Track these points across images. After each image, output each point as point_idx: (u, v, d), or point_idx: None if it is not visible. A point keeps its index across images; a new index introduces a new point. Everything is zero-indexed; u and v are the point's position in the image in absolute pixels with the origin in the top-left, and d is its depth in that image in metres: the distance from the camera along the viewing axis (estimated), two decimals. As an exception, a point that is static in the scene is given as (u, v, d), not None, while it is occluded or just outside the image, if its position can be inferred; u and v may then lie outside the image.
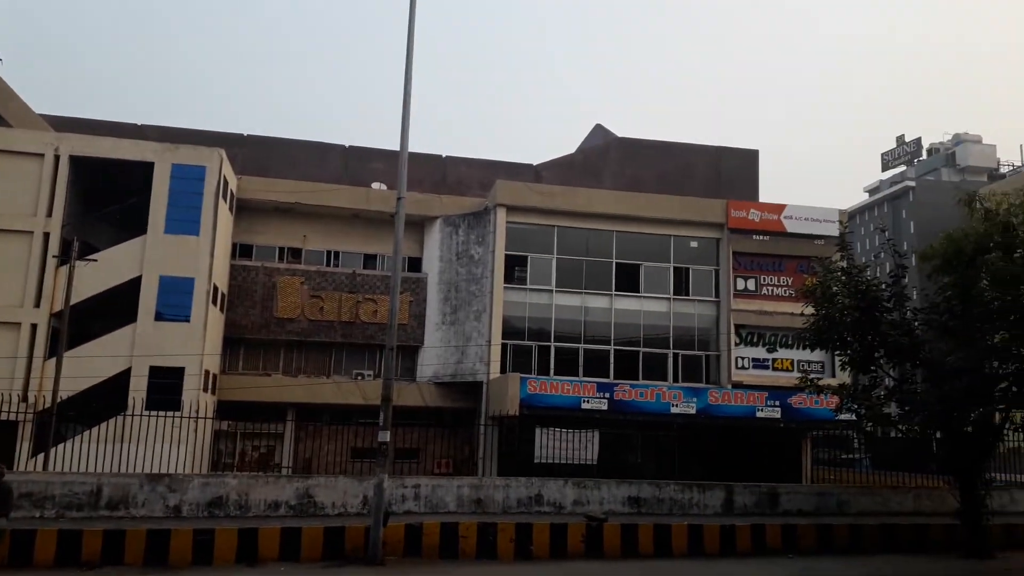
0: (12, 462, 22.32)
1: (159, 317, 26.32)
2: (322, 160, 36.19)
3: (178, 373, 25.49)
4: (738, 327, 29.68)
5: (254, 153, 34.44)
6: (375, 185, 33.24)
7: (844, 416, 19.62)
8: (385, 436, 15.39)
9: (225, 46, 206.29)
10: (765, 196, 41.11)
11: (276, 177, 31.77)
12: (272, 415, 27.82)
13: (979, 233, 17.27)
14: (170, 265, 26.58)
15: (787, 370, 28.82)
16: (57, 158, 26.63)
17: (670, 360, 29.65)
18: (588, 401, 25.14)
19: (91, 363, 24.89)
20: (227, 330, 29.52)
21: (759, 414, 25.98)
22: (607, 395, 25.34)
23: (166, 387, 24.95)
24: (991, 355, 17.14)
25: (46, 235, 26.21)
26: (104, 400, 24.39)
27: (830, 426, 25.70)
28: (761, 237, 30.43)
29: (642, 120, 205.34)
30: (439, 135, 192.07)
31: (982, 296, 16.96)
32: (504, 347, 28.49)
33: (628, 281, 30.05)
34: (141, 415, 19.58)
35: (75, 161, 26.95)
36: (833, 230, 29.09)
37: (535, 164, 38.20)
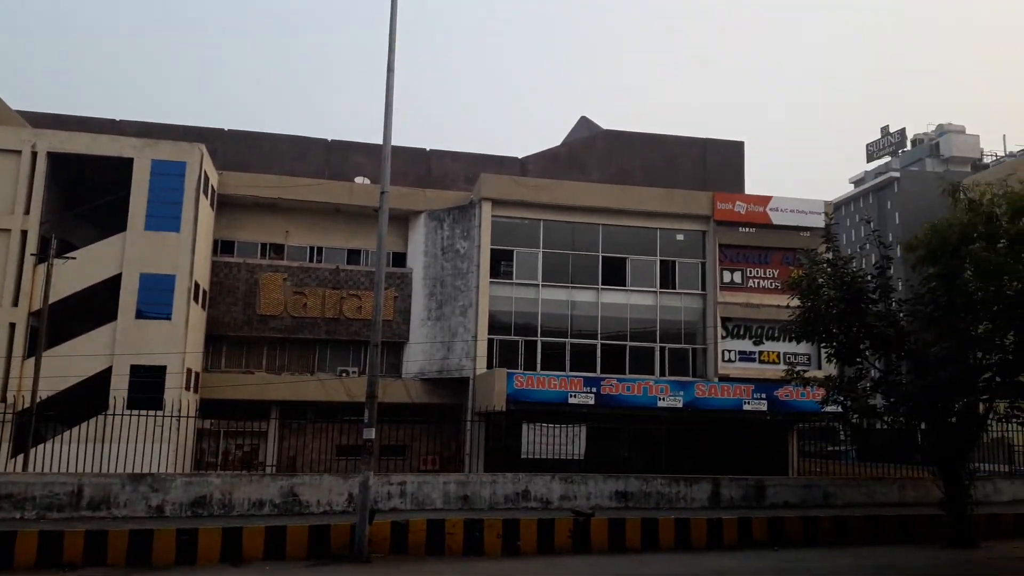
0: (-9, 463, 22.02)
1: (140, 315, 26.05)
2: (304, 154, 35.90)
3: (160, 372, 25.26)
4: (724, 320, 29.70)
5: (235, 148, 34.12)
6: (358, 179, 33.00)
7: (830, 408, 19.61)
8: (370, 433, 15.25)
9: (204, 38, 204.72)
10: (751, 188, 41.12)
11: (257, 172, 31.48)
12: (256, 413, 27.57)
13: (963, 223, 17.27)
14: (151, 262, 26.29)
15: (773, 363, 28.88)
16: (35, 155, 26.27)
17: (657, 354, 29.63)
18: (575, 396, 25.08)
19: (71, 362, 24.59)
20: (209, 328, 29.25)
21: (746, 407, 26.01)
22: (594, 389, 25.29)
23: (148, 386, 24.69)
24: (975, 345, 17.16)
25: (24, 233, 25.86)
26: (85, 400, 24.11)
27: (816, 418, 25.74)
28: (747, 229, 30.44)
29: (627, 112, 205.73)
30: (423, 129, 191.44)
31: (966, 286, 16.97)
32: (490, 342, 28.37)
33: (614, 275, 29.99)
34: (122, 414, 19.33)
35: (53, 158, 26.58)
36: (819, 222, 29.10)
37: (520, 157, 38.06)
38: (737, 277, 30.33)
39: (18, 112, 31.69)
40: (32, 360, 23.44)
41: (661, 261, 30.42)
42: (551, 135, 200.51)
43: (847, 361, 19.01)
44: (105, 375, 25.12)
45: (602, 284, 29.76)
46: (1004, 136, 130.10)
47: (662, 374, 29.02)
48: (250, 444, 29.02)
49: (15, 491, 16.47)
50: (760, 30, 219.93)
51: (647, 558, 15.73)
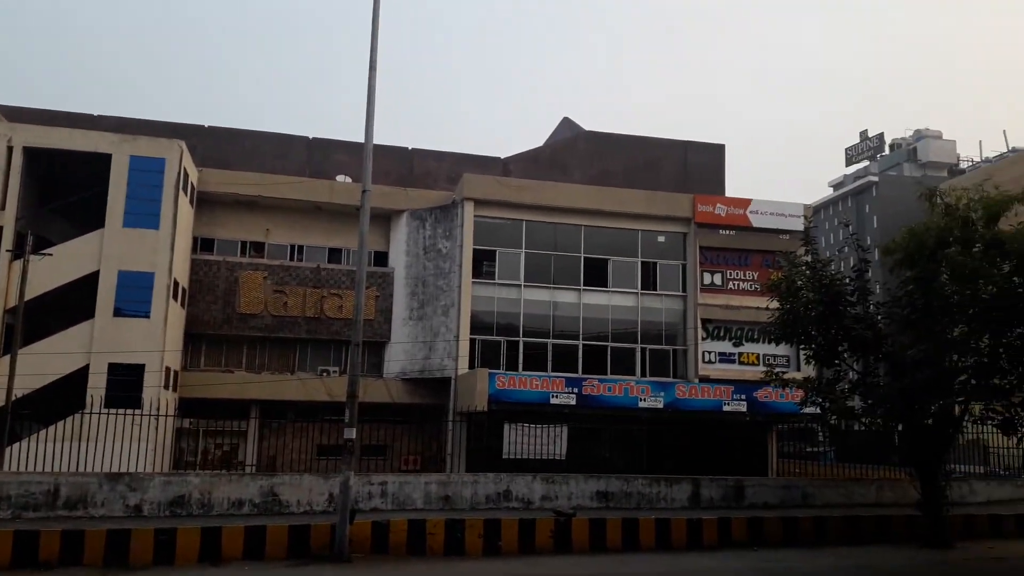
0: (-35, 462, 21.65)
1: (118, 313, 25.76)
2: (285, 152, 35.66)
3: (138, 370, 24.99)
4: (705, 321, 29.88)
5: (215, 145, 33.81)
6: (339, 178, 32.84)
7: (809, 409, 19.84)
8: (351, 433, 15.21)
9: (183, 34, 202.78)
10: (731, 191, 41.39)
11: (238, 169, 31.23)
12: (235, 412, 27.35)
13: (940, 228, 17.51)
14: (129, 259, 26.02)
15: (753, 364, 29.11)
16: (10, 149, 25.89)
17: (638, 355, 29.75)
18: (557, 396, 25.12)
19: (47, 360, 24.27)
20: (188, 326, 28.98)
21: (726, 408, 26.18)
22: (576, 390, 25.35)
23: (126, 384, 24.43)
24: (951, 348, 17.39)
25: (-1, 228, 25.46)
26: (61, 398, 23.80)
27: (795, 419, 26.01)
28: (727, 232, 30.65)
29: (607, 113, 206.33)
30: (405, 127, 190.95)
31: (942, 290, 17.20)
32: (472, 342, 28.35)
33: (596, 276, 30.08)
34: (100, 413, 19.13)
35: (29, 152, 26.22)
36: (798, 225, 29.41)
37: (503, 157, 38.07)
38: (717, 279, 30.53)
39: (-6, 106, 31.26)
40: (7, 358, 23.07)
41: (642, 262, 30.56)
42: (533, 136, 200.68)
43: (825, 363, 19.21)
44: (82, 373, 24.82)
45: (584, 285, 29.83)
46: (980, 142, 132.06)
47: (643, 375, 29.15)
48: (230, 443, 28.79)
49: (-10, 490, 16.25)
50: (744, 34, 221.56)
51: (628, 558, 15.80)
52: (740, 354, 29.59)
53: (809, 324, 18.33)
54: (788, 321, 18.56)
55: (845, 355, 18.82)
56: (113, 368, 24.93)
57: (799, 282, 18.62)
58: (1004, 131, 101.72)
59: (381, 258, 31.57)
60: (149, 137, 27.73)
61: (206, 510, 17.33)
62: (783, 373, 20.00)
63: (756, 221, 30.65)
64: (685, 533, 17.06)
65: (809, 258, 19.15)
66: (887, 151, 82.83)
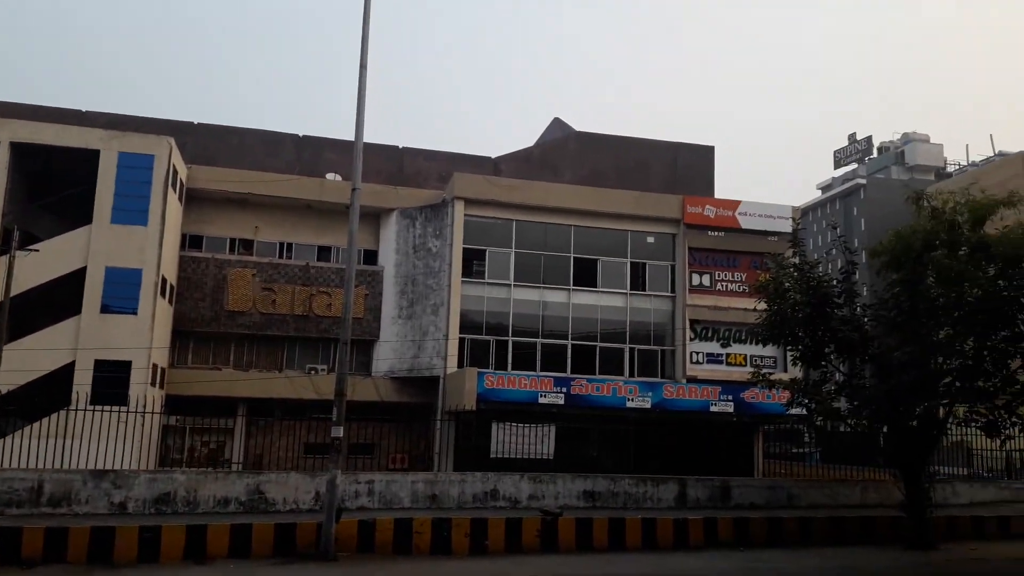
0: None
1: (105, 309, 25.63)
2: (274, 150, 35.55)
3: (125, 367, 24.86)
4: (693, 322, 29.98)
5: (204, 142, 33.68)
6: (330, 176, 32.77)
7: (795, 410, 19.94)
8: (338, 431, 15.18)
9: (175, 31, 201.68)
10: (720, 192, 41.59)
11: (227, 167, 31.09)
12: (222, 410, 27.27)
13: (926, 231, 17.64)
14: (117, 256, 25.88)
15: (740, 365, 29.22)
16: (-2, 144, 25.66)
17: (626, 355, 29.83)
18: (545, 395, 25.16)
19: (33, 356, 24.14)
20: (176, 323, 28.86)
21: (713, 408, 26.28)
22: (564, 389, 25.39)
23: (112, 381, 24.30)
24: (936, 351, 17.53)
25: (-14, 223, 25.27)
26: (47, 394, 23.64)
27: (781, 420, 26.12)
28: (716, 233, 30.76)
29: (599, 114, 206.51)
30: (396, 126, 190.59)
31: (928, 293, 17.33)
32: (461, 341, 28.34)
33: (586, 276, 30.14)
34: (85, 410, 19.02)
35: (16, 148, 26.04)
36: (786, 226, 29.51)
37: (494, 157, 38.08)
38: (706, 280, 30.64)
39: (-19, 101, 31.03)
40: (-8, 354, 22.93)
41: (631, 263, 30.63)
42: (524, 136, 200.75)
43: (812, 364, 19.30)
44: (68, 370, 24.68)
45: (573, 285, 29.88)
46: (967, 146, 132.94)
47: (631, 375, 29.22)
48: (216, 441, 28.69)
49: (-27, 487, 16.14)
50: (737, 35, 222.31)
51: (614, 558, 15.83)
52: (727, 355, 29.70)
53: (796, 325, 18.42)
54: (775, 322, 18.64)
55: (831, 357, 18.92)
56: (99, 365, 24.80)
57: (787, 284, 18.70)
58: (991, 135, 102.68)
59: (371, 256, 31.53)
60: (138, 133, 27.60)
61: (192, 508, 17.26)
62: (770, 374, 20.10)
63: (745, 223, 30.78)
64: (671, 533, 17.11)
65: (797, 260, 19.25)
66: (875, 154, 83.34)
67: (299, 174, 32.58)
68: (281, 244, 31.37)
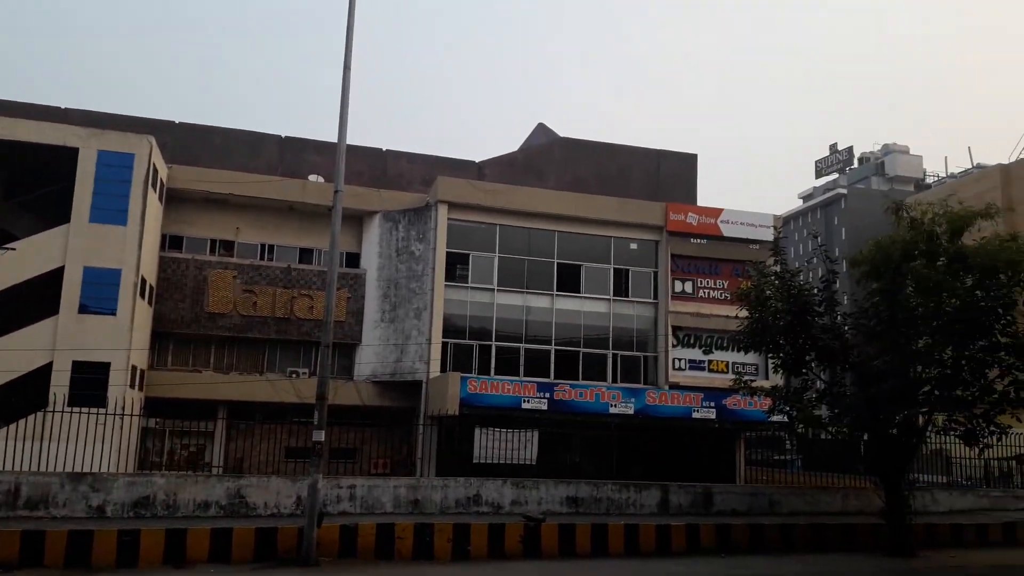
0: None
1: (83, 310, 25.28)
2: (256, 150, 35.29)
3: (103, 368, 24.52)
4: (675, 329, 30.11)
5: (185, 141, 33.33)
6: (312, 177, 32.57)
7: (776, 418, 20.06)
8: (320, 435, 15.10)
9: (157, 29, 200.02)
10: (703, 200, 41.81)
11: (208, 167, 30.78)
12: (202, 413, 27.00)
13: (905, 241, 17.88)
14: (95, 255, 25.55)
15: (722, 372, 29.35)
16: (-27, 141, 25.29)
17: (609, 361, 29.90)
18: (528, 401, 25.15)
19: (9, 357, 23.78)
20: (156, 324, 28.54)
21: (695, 415, 26.40)
22: (547, 395, 25.39)
23: (90, 383, 23.96)
24: (915, 359, 17.74)
25: (-39, 222, 24.90)
26: (23, 396, 23.28)
27: (763, 427, 26.26)
28: (698, 240, 30.94)
29: (582, 121, 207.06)
30: (380, 129, 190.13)
31: (907, 302, 17.55)
32: (444, 346, 28.26)
33: (569, 281, 30.18)
34: (63, 412, 18.77)
35: (-6, 145, 25.65)
36: (768, 235, 29.70)
37: (478, 161, 38.04)
38: (688, 287, 30.80)
39: (-43, 96, 30.54)
40: (-33, 354, 22.60)
41: (615, 269, 30.73)
42: (508, 141, 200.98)
43: (793, 372, 19.46)
44: (45, 371, 24.30)
45: (557, 290, 29.92)
46: (946, 158, 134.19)
47: (614, 381, 29.29)
48: (196, 444, 28.38)
49: (-53, 490, 15.87)
50: (716, 46, 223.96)
51: (597, 563, 15.86)
52: (710, 362, 29.86)
53: (777, 333, 18.56)
54: (757, 330, 18.78)
55: (812, 364, 19.09)
56: (77, 366, 24.45)
57: (768, 292, 18.86)
58: (969, 148, 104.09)
59: (353, 259, 31.37)
60: (118, 132, 27.27)
61: (171, 511, 17.07)
62: (752, 381, 20.20)
63: (727, 231, 30.99)
64: (654, 539, 17.18)
65: (778, 268, 19.40)
66: (856, 164, 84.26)
67: (281, 175, 32.36)
68: (263, 246, 31.13)
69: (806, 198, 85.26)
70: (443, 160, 36.95)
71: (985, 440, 17.89)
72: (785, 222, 50.89)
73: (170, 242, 30.00)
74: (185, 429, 27.14)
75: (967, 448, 18.90)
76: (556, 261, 30.14)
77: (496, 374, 27.96)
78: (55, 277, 25.23)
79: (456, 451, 24.54)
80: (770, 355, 20.22)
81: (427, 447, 25.72)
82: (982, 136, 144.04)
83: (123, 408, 20.35)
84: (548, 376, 28.48)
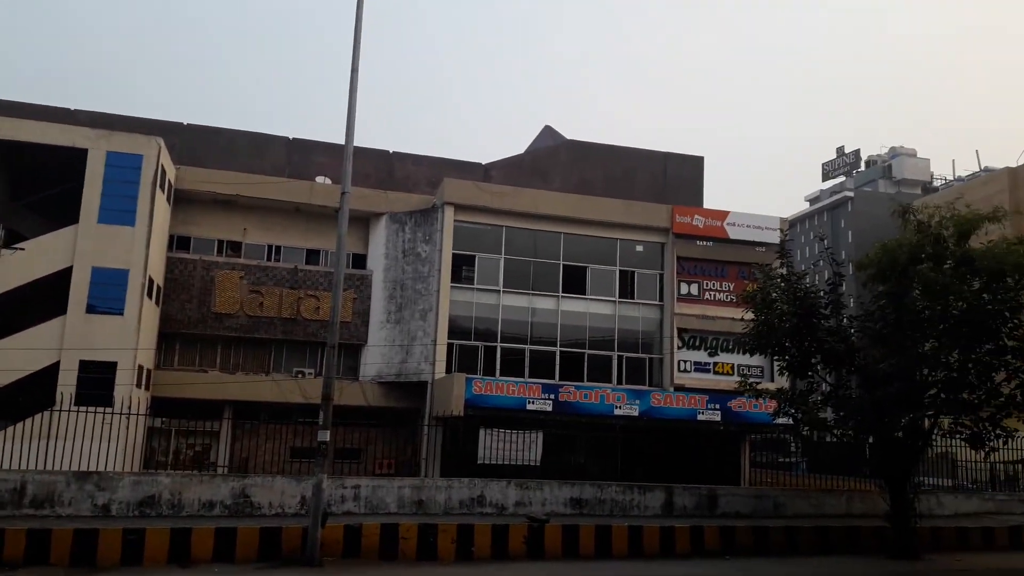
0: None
1: (91, 309, 25.39)
2: (264, 152, 35.43)
3: (110, 368, 24.64)
4: (681, 331, 30.07)
5: (193, 142, 33.50)
6: (319, 179, 32.67)
7: (781, 420, 20.02)
8: (325, 436, 15.12)
9: (166, 30, 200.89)
10: (709, 202, 41.78)
11: (216, 168, 30.93)
12: (208, 413, 27.07)
13: (912, 244, 17.84)
14: (103, 256, 25.67)
15: (728, 374, 29.32)
16: (-17, 141, 25.45)
17: (614, 362, 29.88)
18: (533, 402, 25.14)
19: (17, 356, 23.89)
20: (163, 324, 28.65)
21: (700, 417, 26.36)
22: (552, 396, 25.38)
23: (97, 382, 24.06)
24: (921, 363, 17.68)
25: (-30, 222, 25.04)
26: (31, 395, 23.40)
27: (768, 430, 26.22)
28: (705, 243, 30.91)
29: (591, 122, 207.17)
30: (387, 131, 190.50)
31: (914, 305, 17.51)
32: (450, 347, 28.30)
33: (575, 283, 30.19)
34: (70, 411, 18.86)
35: (1, 145, 25.81)
36: (774, 238, 29.72)
37: (484, 163, 38.12)
38: (694, 289, 30.76)
39: (-34, 97, 30.72)
40: (-25, 353, 22.72)
41: (620, 271, 30.71)
42: (515, 143, 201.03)
43: (799, 374, 19.43)
44: (53, 370, 24.42)
45: (562, 292, 29.93)
46: (953, 161, 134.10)
47: (619, 382, 29.27)
48: (202, 444, 28.48)
49: (-46, 488, 15.96)
50: (722, 49, 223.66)
51: (600, 565, 15.85)
52: (715, 364, 29.82)
53: (783, 336, 18.53)
54: (762, 332, 18.76)
55: (818, 367, 19.05)
56: (84, 365, 24.54)
57: (774, 294, 18.83)
58: (977, 151, 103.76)
59: (359, 260, 31.45)
60: (126, 133, 27.41)
61: (176, 511, 17.13)
62: (757, 384, 20.18)
63: (733, 233, 30.94)
64: (658, 541, 17.15)
65: (784, 271, 19.38)
66: (863, 167, 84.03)
67: (289, 177, 32.48)
68: (269, 247, 31.23)
69: (812, 201, 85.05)
70: (449, 162, 37.03)
71: (991, 443, 17.83)
72: (791, 225, 50.82)
73: (177, 243, 30.13)
74: (191, 429, 27.23)
75: (973, 451, 18.82)
76: (562, 263, 30.16)
77: (501, 375, 27.96)
78: (63, 277, 25.36)
79: (461, 452, 24.57)
80: (776, 357, 20.18)
81: (432, 448, 25.74)
82: (988, 138, 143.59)
83: (129, 408, 20.42)
84: (553, 377, 28.49)
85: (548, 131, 43.19)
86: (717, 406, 26.47)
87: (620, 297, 30.48)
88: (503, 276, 29.52)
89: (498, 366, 28.61)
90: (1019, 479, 27.28)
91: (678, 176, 38.70)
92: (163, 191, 27.67)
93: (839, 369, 19.20)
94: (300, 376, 29.87)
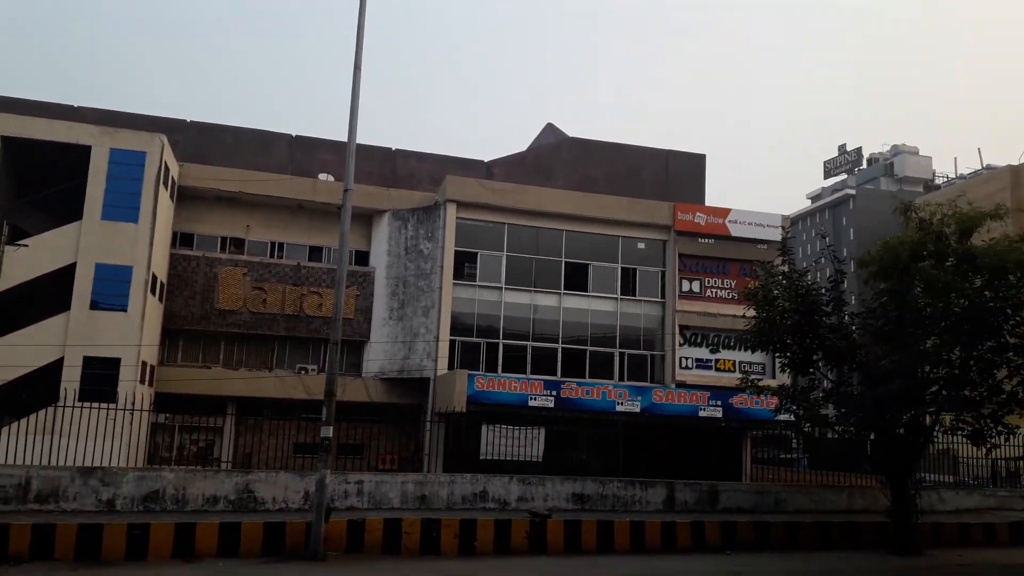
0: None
1: (94, 306, 25.51)
2: (267, 149, 35.51)
3: (114, 364, 24.75)
4: (682, 328, 30.14)
5: (196, 140, 33.60)
6: (322, 176, 32.75)
7: (783, 416, 20.06)
8: (328, 431, 15.18)
9: (170, 27, 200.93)
10: (711, 200, 41.87)
11: (219, 165, 31.02)
12: (212, 409, 27.19)
13: (914, 241, 17.84)
14: (107, 252, 25.78)
15: (729, 371, 29.35)
16: (-12, 138, 25.53)
17: (616, 359, 29.95)
18: (535, 399, 25.23)
19: (21, 352, 23.99)
20: (166, 321, 28.77)
21: (701, 413, 26.43)
22: (554, 393, 25.47)
23: (101, 378, 24.19)
24: (923, 360, 17.70)
25: (-26, 218, 25.09)
26: (35, 391, 23.50)
27: (770, 426, 26.27)
28: (706, 240, 30.96)
29: (591, 120, 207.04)
30: (390, 128, 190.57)
31: (915, 302, 17.51)
32: (452, 343, 28.39)
33: (577, 280, 30.26)
34: (74, 407, 18.94)
35: (6, 142, 25.94)
36: (776, 235, 29.72)
37: (486, 160, 38.16)
38: (696, 286, 30.82)
39: (-29, 95, 30.82)
40: (-20, 349, 22.82)
41: (622, 268, 30.78)
42: (517, 140, 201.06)
43: (800, 371, 19.44)
44: (56, 366, 24.53)
45: (564, 289, 30.00)
46: (955, 159, 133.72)
47: (621, 379, 29.34)
48: (206, 440, 28.59)
49: (-40, 483, 16.04)
50: (736, 41, 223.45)
51: (602, 560, 15.91)
52: (717, 360, 29.88)
53: (785, 333, 18.54)
54: (764, 329, 18.77)
55: (819, 364, 19.06)
56: (88, 362, 24.68)
57: (775, 291, 18.83)
58: (979, 149, 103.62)
59: (362, 257, 31.52)
60: (130, 130, 27.49)
61: (180, 506, 17.22)
62: (758, 380, 20.24)
63: (735, 230, 30.99)
64: (659, 536, 17.22)
65: (786, 268, 19.40)
66: (864, 165, 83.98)
67: (292, 174, 32.56)
68: (272, 244, 31.32)
69: (814, 198, 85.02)
70: (452, 159, 37.08)
71: (992, 440, 17.85)
72: (793, 222, 50.87)
73: (181, 239, 30.23)
74: (194, 424, 27.33)
75: (974, 448, 18.84)
76: (564, 260, 30.23)
77: (503, 372, 28.06)
78: (67, 274, 25.47)
79: (463, 448, 24.64)
80: (777, 354, 20.19)
81: (434, 443, 25.82)
82: (990, 135, 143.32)
83: (133, 403, 20.50)
84: (555, 374, 28.57)
85: (550, 129, 43.24)
86: (719, 403, 26.53)
87: (622, 294, 30.54)
88: (505, 273, 29.60)
89: (500, 363, 28.70)
90: (1020, 475, 27.33)
91: (680, 174, 38.75)
92: (166, 188, 27.75)
93: (841, 366, 19.21)
94: (303, 372, 29.97)
